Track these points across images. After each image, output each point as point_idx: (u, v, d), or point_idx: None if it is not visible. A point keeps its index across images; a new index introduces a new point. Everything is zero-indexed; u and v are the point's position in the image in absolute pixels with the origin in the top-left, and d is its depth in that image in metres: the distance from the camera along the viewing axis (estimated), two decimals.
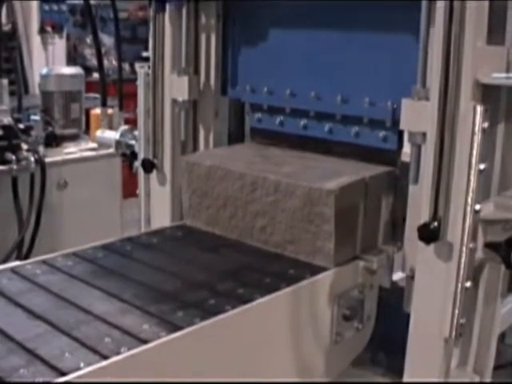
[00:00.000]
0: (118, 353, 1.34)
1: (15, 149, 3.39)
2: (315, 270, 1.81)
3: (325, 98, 2.09)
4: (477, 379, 1.80)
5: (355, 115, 2.02)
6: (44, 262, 1.84)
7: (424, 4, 1.63)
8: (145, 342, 1.39)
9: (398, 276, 1.97)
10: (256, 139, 2.37)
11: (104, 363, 1.30)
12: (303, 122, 2.16)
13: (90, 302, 1.59)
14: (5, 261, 3.09)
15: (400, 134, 1.92)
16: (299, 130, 2.18)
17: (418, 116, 1.65)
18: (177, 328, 1.46)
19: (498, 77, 1.57)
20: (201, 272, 1.81)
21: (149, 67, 2.37)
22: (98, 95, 4.15)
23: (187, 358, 1.46)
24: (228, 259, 1.92)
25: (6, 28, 5.15)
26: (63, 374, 1.26)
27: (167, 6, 2.26)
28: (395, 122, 1.87)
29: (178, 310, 1.55)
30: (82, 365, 1.29)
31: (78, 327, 1.46)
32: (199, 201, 2.12)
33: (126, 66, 7.04)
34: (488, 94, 1.58)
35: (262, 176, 1.94)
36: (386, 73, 1.94)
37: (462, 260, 1.58)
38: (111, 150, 3.09)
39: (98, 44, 4.13)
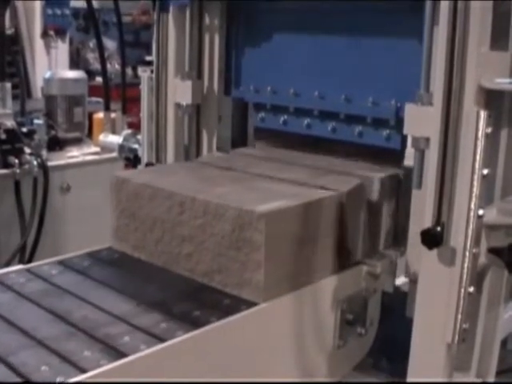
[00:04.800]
0: None
1: (18, 152, 3.40)
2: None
3: (328, 97, 2.09)
4: None
5: (359, 114, 2.02)
6: None
7: (428, 9, 1.63)
8: (83, 371, 1.30)
9: (400, 281, 1.97)
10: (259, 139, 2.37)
11: None
12: (306, 121, 2.17)
13: (35, 325, 1.49)
14: (7, 265, 3.09)
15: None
16: (302, 130, 2.18)
17: (421, 121, 1.65)
18: (120, 355, 1.36)
19: (502, 82, 1.57)
20: (159, 291, 1.70)
21: (152, 71, 2.38)
22: (100, 99, 4.16)
23: None
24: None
25: (9, 32, 5.14)
26: None
27: (171, 7, 2.27)
28: (399, 121, 1.87)
29: (126, 335, 1.45)
30: None
31: (17, 353, 1.37)
32: (127, 222, 1.92)
33: (129, 70, 7.04)
34: (491, 99, 1.58)
35: (191, 196, 1.75)
36: (389, 72, 1.94)
37: (465, 265, 1.58)
38: (114, 154, 3.11)
39: (101, 48, 4.14)
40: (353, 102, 2.04)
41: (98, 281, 1.76)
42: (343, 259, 1.85)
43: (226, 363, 1.54)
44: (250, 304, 1.63)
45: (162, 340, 1.43)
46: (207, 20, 2.31)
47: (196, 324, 1.51)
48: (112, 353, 1.37)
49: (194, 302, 1.64)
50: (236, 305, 1.62)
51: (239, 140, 2.46)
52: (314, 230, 1.75)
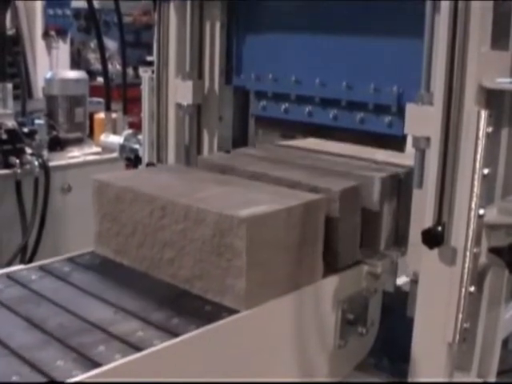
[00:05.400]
0: None
1: (19, 153, 3.40)
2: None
3: (330, 85, 2.08)
4: None
5: (360, 101, 2.02)
6: None
7: (428, 9, 1.63)
8: (54, 381, 1.27)
9: (401, 280, 1.97)
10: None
11: None
12: (308, 108, 2.16)
13: (9, 333, 1.44)
14: (8, 265, 3.09)
15: None
16: (304, 117, 2.18)
17: (422, 120, 1.65)
18: (94, 365, 1.32)
19: (503, 82, 1.57)
20: (139, 298, 1.65)
21: (153, 71, 2.38)
22: (101, 99, 4.16)
23: None
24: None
25: (11, 32, 5.14)
26: None
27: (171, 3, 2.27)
28: (401, 107, 1.87)
29: (101, 344, 1.40)
30: None
31: None
32: (109, 226, 1.88)
33: (130, 71, 7.04)
34: (492, 98, 1.59)
35: (172, 200, 1.71)
36: (390, 58, 1.93)
37: (466, 265, 1.58)
38: (115, 154, 3.11)
39: (102, 48, 4.15)
40: (354, 88, 2.03)
41: (78, 287, 1.71)
42: (334, 263, 1.82)
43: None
44: (232, 311, 1.58)
45: (137, 349, 1.39)
46: (208, 9, 2.29)
47: (174, 332, 1.46)
48: (86, 363, 1.34)
49: (174, 309, 1.59)
50: (217, 312, 1.58)
51: (240, 140, 2.46)
52: (301, 234, 1.70)
